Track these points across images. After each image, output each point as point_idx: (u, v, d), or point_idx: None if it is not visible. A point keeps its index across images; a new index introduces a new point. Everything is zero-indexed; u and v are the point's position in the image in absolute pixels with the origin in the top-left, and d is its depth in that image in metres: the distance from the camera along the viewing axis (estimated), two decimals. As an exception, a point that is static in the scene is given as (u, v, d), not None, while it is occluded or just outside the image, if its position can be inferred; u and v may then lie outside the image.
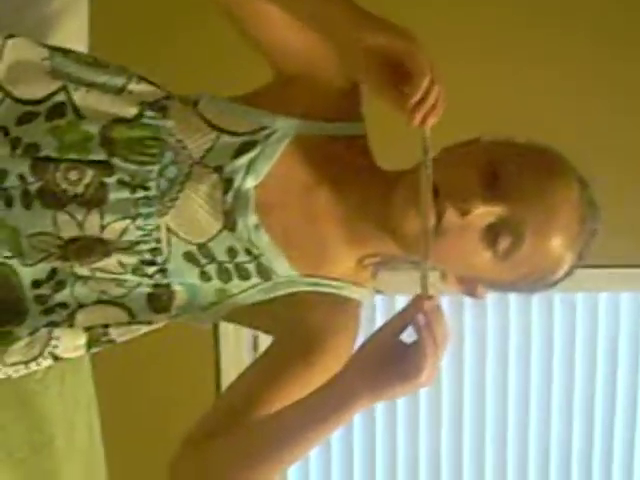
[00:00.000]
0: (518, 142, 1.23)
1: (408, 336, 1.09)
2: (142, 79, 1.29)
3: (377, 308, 2.82)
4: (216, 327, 2.82)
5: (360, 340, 1.16)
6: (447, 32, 2.57)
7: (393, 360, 1.07)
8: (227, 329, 2.82)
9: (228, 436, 1.18)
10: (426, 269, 1.10)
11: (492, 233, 1.16)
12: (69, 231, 1.22)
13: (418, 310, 1.07)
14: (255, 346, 2.88)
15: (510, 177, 1.16)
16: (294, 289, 1.26)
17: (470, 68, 2.57)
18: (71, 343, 1.30)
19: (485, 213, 1.15)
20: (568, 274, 1.23)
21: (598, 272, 2.49)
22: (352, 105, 1.31)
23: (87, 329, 1.29)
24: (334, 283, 1.27)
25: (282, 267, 1.25)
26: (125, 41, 2.44)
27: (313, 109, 1.27)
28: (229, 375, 2.81)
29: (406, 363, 1.06)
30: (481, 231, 1.16)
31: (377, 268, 1.32)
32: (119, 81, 1.27)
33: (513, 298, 2.86)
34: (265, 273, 1.25)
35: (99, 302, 1.28)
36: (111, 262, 1.24)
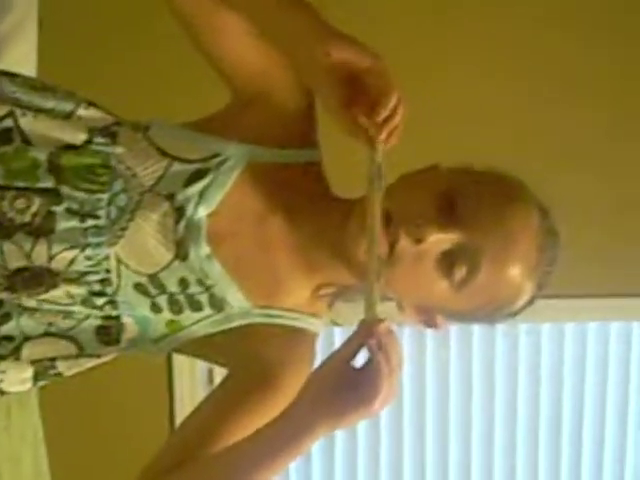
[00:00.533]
0: (476, 170, 1.21)
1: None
2: (91, 104, 1.26)
3: (335, 339, 2.80)
4: (170, 360, 2.79)
5: (314, 368, 1.15)
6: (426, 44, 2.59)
7: (346, 386, 1.06)
8: (181, 362, 2.79)
9: (183, 471, 1.16)
10: (372, 291, 1.07)
11: (447, 261, 1.14)
12: (16, 261, 1.19)
13: (368, 334, 1.05)
14: (210, 379, 2.86)
15: (467, 204, 1.14)
16: (248, 321, 1.24)
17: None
18: (17, 376, 1.26)
19: (440, 240, 1.13)
20: (528, 304, 1.21)
21: (563, 302, 2.51)
22: (307, 131, 1.29)
23: (33, 362, 1.25)
24: (289, 314, 1.25)
25: (235, 298, 1.23)
26: (74, 65, 2.40)
27: (267, 135, 1.25)
28: (183, 409, 2.79)
29: (360, 388, 1.05)
30: (436, 259, 1.15)
31: (333, 298, 1.30)
32: (67, 106, 1.24)
33: (477, 329, 2.86)
34: (218, 304, 1.23)
35: (46, 335, 1.24)
36: (59, 293, 1.20)
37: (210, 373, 2.85)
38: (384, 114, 1.06)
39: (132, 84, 2.56)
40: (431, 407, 2.99)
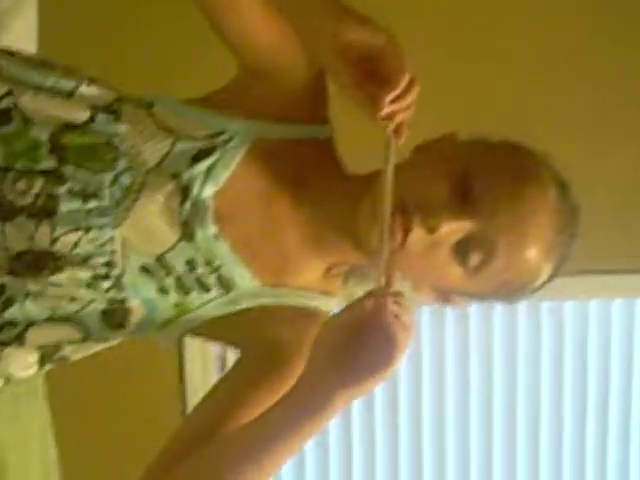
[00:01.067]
0: (494, 144, 1.18)
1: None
2: (93, 81, 1.23)
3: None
4: (181, 348, 2.76)
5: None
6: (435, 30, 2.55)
7: (359, 346, 1.02)
8: (193, 349, 2.77)
9: (201, 453, 1.12)
10: (381, 257, 1.05)
11: (462, 249, 1.12)
12: (18, 244, 1.16)
13: (378, 300, 1.03)
14: (222, 366, 2.84)
15: (483, 189, 1.11)
16: (257, 301, 1.22)
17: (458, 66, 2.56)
18: (23, 361, 1.24)
19: (454, 229, 1.11)
20: (547, 282, 1.19)
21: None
22: (317, 107, 1.26)
23: (39, 347, 1.23)
24: (300, 292, 1.24)
25: (244, 278, 1.21)
26: (75, 41, 2.37)
27: (275, 110, 1.23)
28: (195, 396, 2.77)
29: (373, 353, 1.02)
30: (451, 247, 1.12)
31: (346, 277, 1.28)
32: (69, 84, 1.21)
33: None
34: (226, 285, 1.21)
35: (51, 319, 1.22)
36: (63, 277, 1.18)
37: (223, 360, 2.83)
38: (395, 93, 1.03)
39: (133, 58, 2.52)
40: (451, 388, 2.96)
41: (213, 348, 2.77)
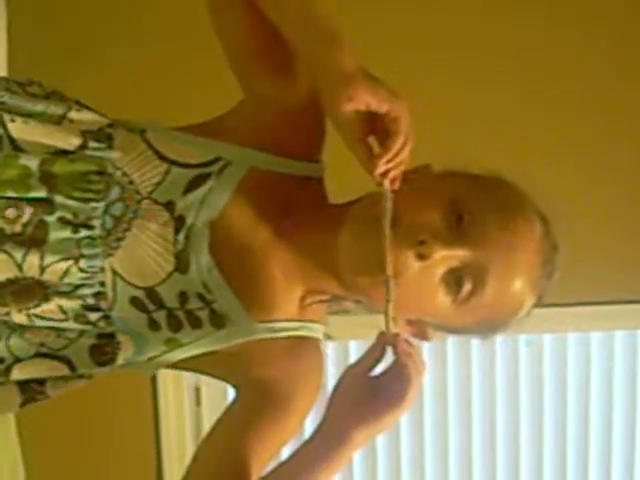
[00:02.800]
0: (476, 176, 1.18)
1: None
2: (82, 106, 1.21)
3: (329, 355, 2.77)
4: (155, 382, 2.71)
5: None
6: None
7: (372, 393, 1.09)
8: (166, 383, 2.72)
9: None
10: (388, 307, 1.11)
11: (453, 278, 1.11)
12: (6, 272, 1.14)
13: (391, 342, 1.10)
14: (198, 400, 2.79)
15: (473, 218, 1.11)
16: (250, 337, 1.19)
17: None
18: (4, 402, 1.22)
19: (446, 257, 1.10)
20: (526, 315, 1.19)
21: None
22: (312, 143, 1.25)
23: (22, 387, 1.20)
24: (291, 325, 1.22)
25: (237, 312, 1.18)
26: (45, 65, 2.30)
27: (271, 141, 1.20)
28: (169, 430, 2.72)
29: (388, 391, 1.09)
30: (441, 276, 1.11)
31: (325, 307, 1.28)
32: (58, 109, 1.19)
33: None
34: (219, 320, 1.18)
35: (37, 356, 1.19)
36: (51, 307, 1.15)
37: (197, 392, 2.78)
38: (387, 156, 1.07)
39: (107, 83, 2.46)
40: (429, 422, 2.93)
41: (187, 380, 2.73)
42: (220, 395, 2.71)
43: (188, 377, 2.70)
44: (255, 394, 1.18)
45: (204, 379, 2.69)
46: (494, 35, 2.59)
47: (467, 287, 1.11)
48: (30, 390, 1.21)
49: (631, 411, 2.92)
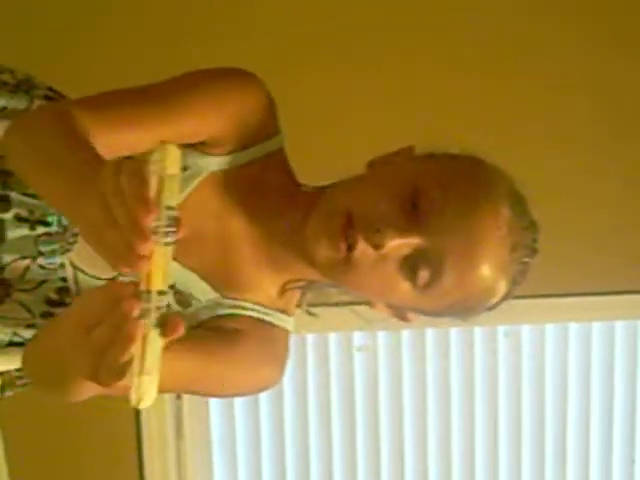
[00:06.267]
0: (450, 158, 1.16)
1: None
2: (55, 93, 1.20)
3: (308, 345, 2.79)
4: (138, 415, 2.69)
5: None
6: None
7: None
8: (149, 415, 2.71)
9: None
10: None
11: (409, 265, 1.10)
12: None
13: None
14: (179, 433, 2.77)
15: (432, 206, 1.09)
16: (218, 312, 1.19)
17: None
18: None
19: (400, 245, 1.09)
20: (504, 299, 1.17)
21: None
22: (266, 124, 1.22)
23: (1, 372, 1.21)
24: (258, 308, 1.21)
25: (201, 290, 1.19)
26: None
27: (228, 145, 1.19)
28: (152, 463, 2.73)
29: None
30: (398, 263, 1.10)
31: (302, 295, 1.26)
32: (20, 104, 1.19)
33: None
34: (184, 301, 1.18)
35: (11, 344, 1.19)
36: (14, 305, 1.16)
37: (178, 422, 2.77)
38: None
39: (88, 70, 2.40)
40: (408, 413, 2.93)
41: (169, 406, 2.73)
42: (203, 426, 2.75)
43: (170, 404, 2.71)
44: (212, 331, 1.17)
45: (187, 412, 2.73)
46: (488, 24, 2.58)
47: (423, 274, 1.09)
48: (9, 378, 1.22)
49: (609, 402, 2.93)
